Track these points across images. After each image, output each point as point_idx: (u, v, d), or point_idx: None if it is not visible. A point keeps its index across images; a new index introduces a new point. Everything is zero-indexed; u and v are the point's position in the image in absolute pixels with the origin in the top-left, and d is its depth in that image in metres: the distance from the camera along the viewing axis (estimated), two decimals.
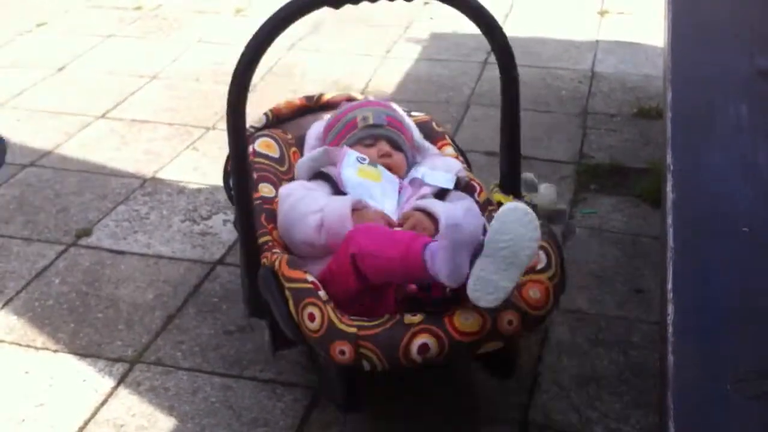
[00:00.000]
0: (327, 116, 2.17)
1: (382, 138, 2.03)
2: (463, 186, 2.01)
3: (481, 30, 1.79)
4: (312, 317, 1.59)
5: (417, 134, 2.16)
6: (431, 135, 2.22)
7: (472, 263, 1.53)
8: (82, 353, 2.09)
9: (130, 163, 2.94)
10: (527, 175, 2.01)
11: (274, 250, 1.79)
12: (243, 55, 1.69)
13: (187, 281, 2.35)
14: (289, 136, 2.19)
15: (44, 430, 1.87)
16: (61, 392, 1.97)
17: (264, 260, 1.78)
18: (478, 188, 2.03)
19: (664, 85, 2.06)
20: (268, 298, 1.72)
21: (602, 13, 4.25)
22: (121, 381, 2.00)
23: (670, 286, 1.30)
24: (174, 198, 2.74)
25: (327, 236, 1.79)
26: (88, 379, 2.01)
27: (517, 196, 1.93)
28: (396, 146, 2.04)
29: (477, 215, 1.58)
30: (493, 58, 3.83)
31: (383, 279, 1.66)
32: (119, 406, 1.93)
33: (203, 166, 2.92)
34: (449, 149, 2.19)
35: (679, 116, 1.81)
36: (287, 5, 1.69)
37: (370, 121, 2.04)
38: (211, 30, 4.11)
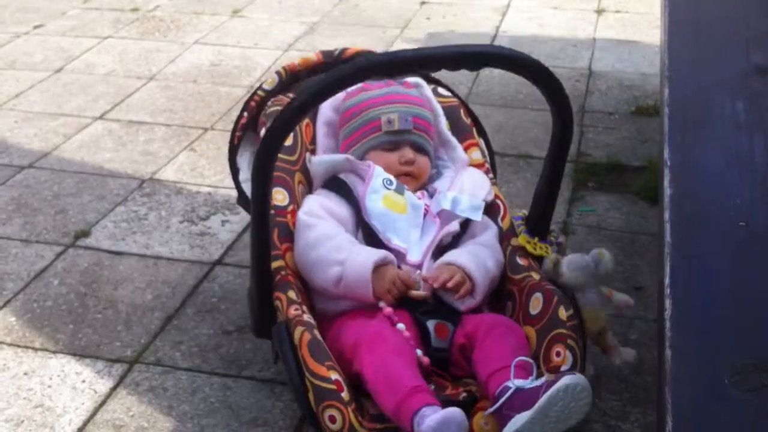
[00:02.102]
0: (350, 89, 1.97)
1: (406, 144, 1.91)
2: (487, 208, 1.91)
3: (542, 91, 1.65)
4: (333, 419, 1.54)
5: (443, 124, 2.03)
6: (458, 126, 2.06)
7: (510, 412, 1.49)
8: (81, 354, 2.09)
9: (128, 164, 2.94)
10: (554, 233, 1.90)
11: (290, 294, 1.71)
12: (282, 113, 1.57)
13: (185, 282, 2.35)
14: None
15: (43, 431, 1.87)
16: (60, 393, 1.97)
17: (277, 302, 1.71)
18: (501, 210, 1.94)
19: (661, 83, 2.06)
20: (283, 363, 1.64)
21: (599, 12, 4.26)
22: (120, 381, 2.00)
23: (667, 281, 1.30)
24: (172, 199, 2.74)
25: (345, 291, 1.74)
26: (87, 380, 2.01)
27: (543, 239, 1.84)
28: (420, 149, 1.93)
29: (457, 425, 1.48)
30: None
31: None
32: (118, 407, 1.93)
33: (201, 166, 2.93)
34: (476, 153, 2.05)
35: (676, 113, 1.81)
36: (334, 74, 1.56)
37: (395, 127, 1.90)
38: (209, 31, 4.11)
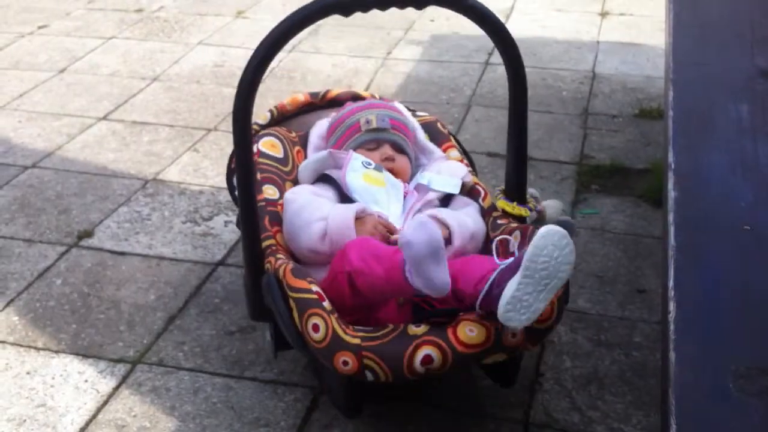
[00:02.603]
0: (332, 114, 2.16)
1: (385, 142, 2.02)
2: (467, 190, 2.00)
3: (488, 32, 1.76)
4: (316, 328, 1.59)
5: (422, 135, 2.15)
6: (436, 136, 2.20)
7: (497, 289, 1.53)
8: (84, 354, 2.09)
9: (131, 165, 2.94)
10: (531, 190, 1.99)
11: (278, 256, 1.79)
12: (251, 59, 1.67)
13: (188, 282, 2.35)
14: (293, 135, 2.18)
15: (46, 430, 1.87)
16: (63, 393, 1.97)
17: (267, 265, 1.78)
18: (482, 192, 2.02)
19: (665, 85, 2.06)
20: (271, 306, 1.71)
21: (603, 15, 4.25)
22: (122, 381, 2.00)
23: (671, 284, 1.30)
24: (175, 199, 2.74)
25: (330, 244, 1.79)
26: (90, 380, 2.01)
27: (522, 203, 1.92)
28: (399, 149, 2.03)
29: (429, 228, 1.56)
30: (494, 60, 3.85)
31: (378, 297, 1.67)
32: (121, 407, 1.93)
33: (204, 167, 2.93)
34: (454, 152, 2.17)
35: (680, 116, 1.81)
36: (296, 12, 1.67)
37: (374, 125, 2.02)
38: (212, 32, 4.12)
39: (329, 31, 4.07)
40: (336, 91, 2.29)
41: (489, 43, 3.85)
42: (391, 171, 1.98)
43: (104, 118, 3.29)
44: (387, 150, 2.01)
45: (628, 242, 2.50)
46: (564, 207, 2.03)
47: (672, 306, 1.26)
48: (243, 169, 1.72)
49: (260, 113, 2.24)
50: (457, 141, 2.24)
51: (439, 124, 2.25)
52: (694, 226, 1.46)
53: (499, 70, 3.58)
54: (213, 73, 3.64)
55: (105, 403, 1.94)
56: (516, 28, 4.08)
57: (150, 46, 3.95)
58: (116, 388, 1.98)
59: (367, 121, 2.03)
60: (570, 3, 4.40)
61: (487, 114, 3.23)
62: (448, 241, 1.81)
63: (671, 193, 1.53)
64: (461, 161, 2.13)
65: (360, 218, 1.83)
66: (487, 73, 3.59)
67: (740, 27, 2.22)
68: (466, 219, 1.89)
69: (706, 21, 2.30)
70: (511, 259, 1.60)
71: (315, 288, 1.64)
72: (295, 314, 1.62)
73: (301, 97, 2.27)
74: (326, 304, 1.62)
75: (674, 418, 1.08)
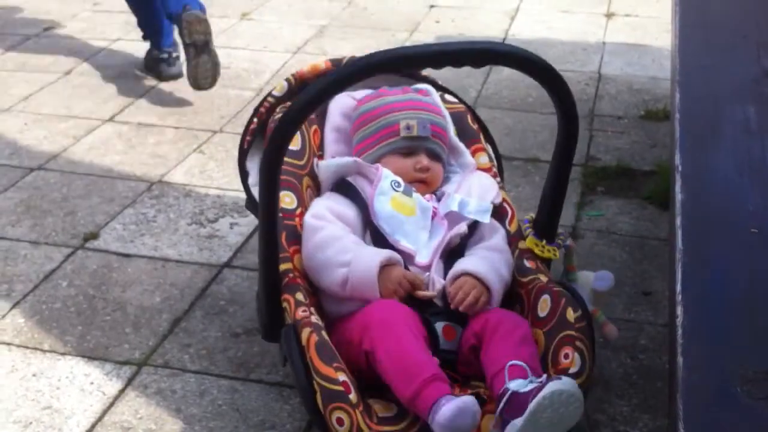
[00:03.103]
0: (356, 94, 2.02)
1: (421, 150, 1.91)
2: (494, 210, 1.91)
3: (546, 87, 1.64)
4: (340, 422, 1.53)
5: (451, 131, 2.03)
6: (465, 133, 2.07)
7: (507, 418, 1.50)
8: (90, 356, 2.09)
9: (137, 167, 2.95)
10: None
11: (297, 296, 1.70)
12: (288, 112, 1.58)
13: (194, 284, 2.35)
14: None
15: None
16: (69, 395, 1.97)
17: (285, 303, 1.71)
18: (509, 213, 1.95)
19: (671, 87, 2.05)
20: (290, 365, 1.64)
21: (609, 16, 4.25)
22: (128, 384, 2.00)
23: (678, 287, 1.30)
24: (181, 201, 2.75)
25: (352, 292, 1.74)
26: (96, 382, 2.01)
27: (551, 241, 1.85)
28: (435, 157, 1.93)
29: (471, 415, 1.49)
30: None
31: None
32: (126, 409, 1.93)
33: (210, 169, 2.93)
34: (483, 157, 2.06)
35: (686, 118, 1.80)
36: (340, 70, 1.57)
37: (415, 133, 1.90)
38: (218, 33, 4.11)
39: (334, 33, 4.07)
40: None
41: None
42: (424, 181, 1.90)
43: (110, 120, 3.29)
44: (423, 159, 1.90)
45: (633, 244, 2.49)
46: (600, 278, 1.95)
47: (679, 310, 1.25)
48: (267, 219, 1.66)
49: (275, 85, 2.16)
50: (486, 138, 2.11)
51: (469, 117, 2.11)
52: (701, 228, 1.46)
53: (504, 72, 3.58)
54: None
55: (111, 405, 1.94)
56: (521, 30, 4.08)
57: None
58: (122, 390, 1.98)
59: (408, 127, 1.90)
60: (575, 4, 4.39)
61: (492, 115, 3.22)
62: (488, 301, 1.75)
63: (678, 196, 1.52)
64: (490, 169, 2.04)
65: (385, 267, 1.73)
66: (492, 75, 3.58)
67: (747, 29, 2.22)
68: (501, 269, 1.80)
69: (712, 23, 2.29)
70: (525, 383, 1.52)
71: (342, 377, 1.55)
72: (319, 399, 1.56)
73: (322, 65, 2.07)
74: (352, 396, 1.54)
75: (682, 423, 1.08)
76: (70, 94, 3.50)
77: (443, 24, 4.13)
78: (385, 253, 1.75)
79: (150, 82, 3.60)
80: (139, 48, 3.92)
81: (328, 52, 3.85)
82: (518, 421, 1.47)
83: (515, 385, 1.52)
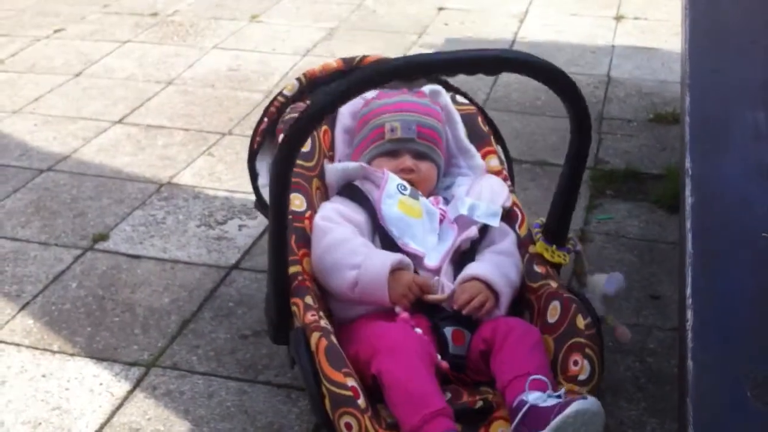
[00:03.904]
0: (366, 96, 2.00)
1: (406, 152, 1.92)
2: (505, 214, 1.91)
3: (558, 94, 1.64)
4: (349, 427, 1.53)
5: (462, 133, 2.03)
6: (476, 135, 2.07)
7: (530, 427, 1.48)
8: (99, 357, 2.10)
9: (146, 168, 2.96)
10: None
11: (306, 300, 1.70)
12: (300, 119, 1.58)
13: (202, 286, 2.35)
14: None
15: None
16: (78, 396, 1.98)
17: (294, 307, 1.71)
18: (519, 217, 1.94)
19: (681, 91, 2.05)
20: (299, 369, 1.65)
21: (618, 18, 4.24)
22: (137, 385, 2.01)
23: (688, 291, 1.29)
24: (190, 203, 2.75)
25: (361, 295, 1.74)
26: (104, 383, 2.02)
27: (561, 246, 1.84)
28: (422, 156, 1.93)
29: None
30: None
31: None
32: (135, 410, 1.93)
33: (219, 171, 2.93)
34: (494, 160, 2.06)
35: (697, 122, 1.80)
36: (352, 79, 1.55)
37: (398, 134, 1.91)
38: (227, 36, 4.13)
39: (343, 35, 4.07)
40: (372, 57, 2.11)
41: (503, 47, 3.85)
42: (410, 182, 1.90)
43: (119, 121, 3.30)
44: (406, 161, 1.91)
45: (642, 248, 2.49)
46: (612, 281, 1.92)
47: (689, 313, 1.25)
48: (277, 228, 1.66)
49: (286, 85, 2.15)
50: (498, 141, 2.10)
51: (479, 120, 2.11)
52: (711, 232, 1.45)
53: (513, 75, 3.57)
54: (227, 77, 3.66)
55: (119, 406, 1.95)
56: (530, 33, 4.08)
57: (165, 50, 3.97)
58: (131, 392, 1.99)
59: (392, 129, 1.92)
60: (585, 7, 4.39)
61: (501, 118, 3.22)
62: (495, 306, 1.75)
63: (688, 200, 1.52)
64: (501, 172, 2.04)
65: (395, 271, 1.73)
66: (501, 77, 3.58)
67: (757, 33, 2.21)
68: (510, 273, 1.80)
69: (722, 26, 2.29)
70: (545, 397, 1.51)
71: (350, 383, 1.55)
72: (328, 403, 1.56)
73: (334, 63, 2.10)
74: (361, 401, 1.54)
75: (692, 427, 1.08)
76: (79, 96, 3.52)
77: (452, 27, 4.14)
78: (396, 257, 1.75)
79: (159, 84, 3.62)
80: (149, 49, 3.94)
81: (336, 54, 3.84)
82: None
83: (534, 398, 1.51)
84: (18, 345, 2.15)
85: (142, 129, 3.24)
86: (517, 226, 1.93)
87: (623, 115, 3.28)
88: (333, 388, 1.55)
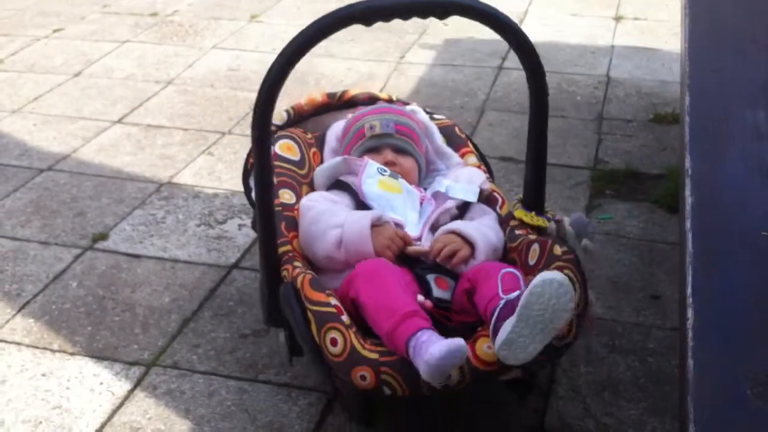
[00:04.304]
0: (349, 115, 2.17)
1: (387, 147, 2.03)
2: (485, 198, 2.00)
3: (502, 35, 1.76)
4: (334, 342, 1.58)
5: (439, 139, 2.16)
6: (454, 141, 2.20)
7: (500, 323, 1.53)
8: (99, 356, 2.10)
9: (146, 168, 2.96)
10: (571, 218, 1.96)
11: (296, 263, 1.78)
12: (271, 68, 1.67)
13: (202, 285, 2.36)
14: (309, 136, 2.18)
15: None
16: (78, 395, 1.98)
17: (284, 273, 1.77)
18: (500, 200, 2.02)
19: (681, 91, 2.05)
20: (288, 316, 1.71)
21: (618, 19, 4.24)
22: (137, 384, 2.01)
23: (689, 290, 1.29)
24: (190, 202, 2.75)
25: (346, 252, 1.79)
26: (105, 382, 2.02)
27: (540, 212, 1.90)
28: (402, 152, 2.04)
29: (458, 355, 1.51)
30: (507, 64, 3.84)
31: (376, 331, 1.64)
32: (135, 409, 1.93)
33: (218, 170, 2.94)
34: (472, 158, 2.17)
35: (697, 121, 1.80)
36: (317, 21, 1.67)
37: (377, 131, 2.04)
38: (227, 36, 4.13)
39: (342, 35, 4.06)
40: (353, 91, 2.29)
41: (503, 47, 3.86)
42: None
43: (119, 121, 3.30)
44: (387, 154, 2.01)
45: (642, 248, 2.49)
46: (583, 217, 2.00)
47: (690, 312, 1.25)
48: (261, 174, 1.72)
49: (275, 115, 2.23)
50: (475, 146, 2.23)
51: (456, 129, 2.25)
52: (711, 232, 1.45)
53: (513, 75, 3.58)
54: (227, 77, 3.66)
55: (120, 405, 1.95)
56: (530, 33, 4.05)
57: (164, 50, 3.97)
58: (131, 391, 1.99)
59: (371, 127, 2.04)
60: (584, 7, 4.39)
61: (501, 118, 3.23)
62: (470, 255, 1.80)
63: (688, 199, 1.52)
64: (479, 167, 2.13)
65: (377, 226, 1.82)
66: (500, 78, 3.58)
67: (757, 32, 2.21)
68: (488, 233, 1.87)
69: (722, 26, 2.29)
70: (516, 293, 1.57)
71: (333, 301, 1.64)
72: (313, 327, 1.61)
73: (318, 98, 2.27)
74: (345, 318, 1.61)
75: (693, 425, 1.08)
76: (79, 96, 3.52)
77: (452, 27, 4.14)
78: (375, 212, 1.84)
79: (159, 84, 3.62)
80: (149, 49, 3.94)
81: (336, 54, 3.86)
82: (511, 319, 1.50)
83: (508, 296, 1.56)
84: (18, 344, 2.15)
85: (142, 128, 3.24)
86: (497, 207, 2.01)
87: (623, 116, 3.28)
88: (316, 308, 1.62)
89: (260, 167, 1.71)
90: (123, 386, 2.00)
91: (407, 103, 2.28)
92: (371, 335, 1.64)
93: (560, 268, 1.66)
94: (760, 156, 1.68)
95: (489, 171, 2.16)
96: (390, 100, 2.26)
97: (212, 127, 3.24)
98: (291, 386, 1.99)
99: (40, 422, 1.90)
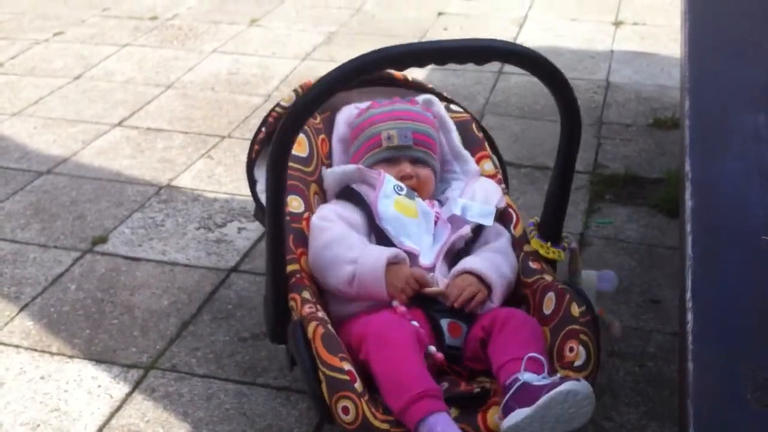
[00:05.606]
0: (360, 106, 2.06)
1: (404, 159, 1.94)
2: (499, 215, 1.93)
3: (547, 86, 1.65)
4: (346, 411, 1.55)
5: (456, 139, 2.07)
6: (470, 141, 2.10)
7: (513, 404, 1.50)
8: (98, 359, 2.09)
9: (145, 171, 2.96)
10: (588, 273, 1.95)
11: (304, 294, 1.72)
12: (293, 108, 1.59)
13: (201, 288, 2.35)
14: (317, 120, 2.08)
15: None
16: (76, 398, 1.97)
17: (292, 303, 1.72)
18: (514, 218, 1.96)
19: (681, 94, 2.05)
20: (297, 360, 1.66)
21: (617, 24, 4.25)
22: (135, 387, 2.00)
23: (689, 294, 1.29)
24: (189, 206, 2.75)
25: (359, 290, 1.75)
26: (103, 385, 2.01)
27: (556, 243, 1.85)
28: (420, 162, 1.95)
29: None
30: (507, 69, 3.84)
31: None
32: (134, 412, 1.93)
33: (218, 174, 2.94)
34: (488, 164, 2.08)
35: (697, 125, 1.80)
36: (344, 66, 1.58)
37: (395, 142, 1.94)
38: (226, 40, 4.13)
39: (343, 40, 4.08)
40: None
41: None
42: (411, 188, 1.91)
43: (119, 124, 3.30)
44: (405, 167, 1.93)
45: (642, 252, 2.49)
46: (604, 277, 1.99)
47: (689, 316, 1.25)
48: (274, 200, 1.66)
49: (284, 96, 2.18)
50: (492, 143, 2.13)
51: (474, 126, 2.14)
52: (711, 235, 1.45)
53: (512, 79, 3.58)
54: (227, 81, 3.66)
55: (118, 408, 1.94)
56: (529, 37, 4.09)
57: (164, 54, 3.97)
58: (129, 394, 1.98)
59: (389, 137, 1.94)
60: (584, 12, 4.40)
61: (501, 123, 3.23)
62: (487, 297, 1.76)
63: (688, 203, 1.52)
64: (495, 175, 2.05)
65: (392, 265, 1.75)
66: (500, 82, 3.59)
67: (756, 36, 2.21)
68: (503, 267, 1.81)
69: (721, 29, 2.29)
70: (540, 378, 1.52)
71: (347, 367, 1.57)
72: (325, 390, 1.57)
73: None
74: (357, 385, 1.56)
75: (692, 428, 1.08)
76: (79, 99, 3.52)
77: (451, 31, 4.14)
78: (392, 250, 1.77)
79: (159, 87, 3.62)
80: (149, 53, 3.94)
81: (336, 58, 3.86)
82: (526, 410, 1.47)
83: (528, 377, 1.52)
84: (17, 347, 2.14)
85: (142, 132, 3.24)
86: (512, 227, 1.95)
87: (622, 120, 3.28)
88: (330, 373, 1.57)
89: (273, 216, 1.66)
90: (121, 389, 2.00)
91: (424, 87, 2.15)
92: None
93: (577, 333, 1.62)
94: (760, 159, 1.68)
95: (505, 177, 2.09)
96: (405, 80, 2.14)
97: (212, 130, 3.24)
98: (290, 390, 1.98)
99: (39, 425, 1.90)
